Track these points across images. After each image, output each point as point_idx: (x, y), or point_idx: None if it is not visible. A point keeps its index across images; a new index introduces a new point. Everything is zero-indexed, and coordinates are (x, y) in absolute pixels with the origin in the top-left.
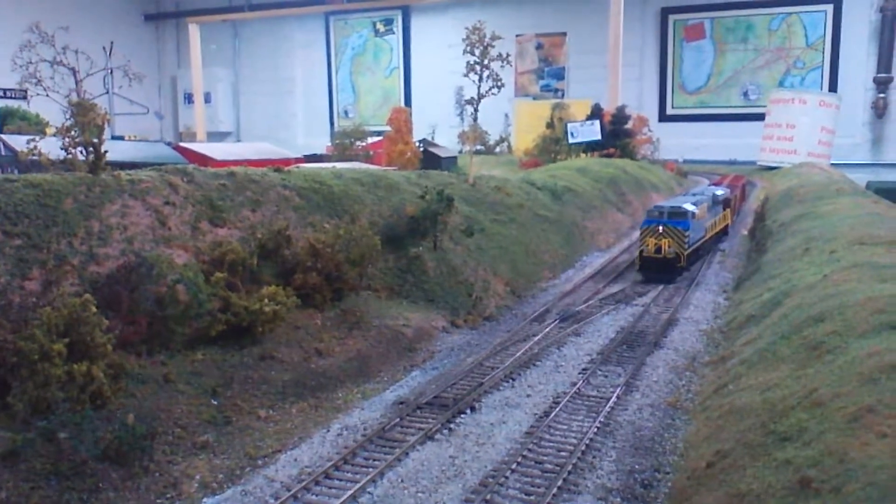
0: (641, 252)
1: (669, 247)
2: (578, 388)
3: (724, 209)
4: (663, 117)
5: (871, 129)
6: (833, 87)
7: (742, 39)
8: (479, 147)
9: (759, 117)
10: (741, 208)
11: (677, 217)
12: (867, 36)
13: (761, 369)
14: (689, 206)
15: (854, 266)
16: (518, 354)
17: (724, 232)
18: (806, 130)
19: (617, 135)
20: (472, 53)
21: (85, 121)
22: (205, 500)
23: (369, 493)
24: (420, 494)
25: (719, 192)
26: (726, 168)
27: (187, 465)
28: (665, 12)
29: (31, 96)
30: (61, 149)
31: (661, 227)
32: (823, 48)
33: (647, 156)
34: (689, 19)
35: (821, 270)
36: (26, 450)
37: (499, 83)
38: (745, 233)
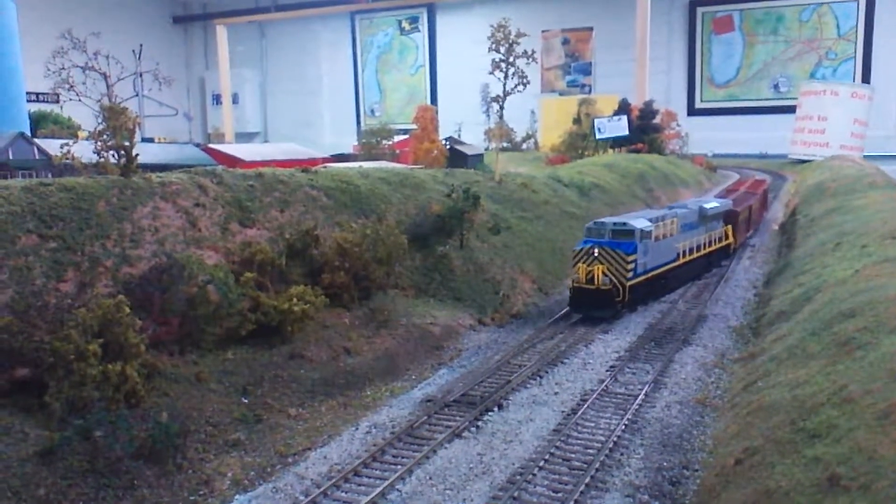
0: (573, 281)
1: (604, 275)
2: (606, 386)
3: (726, 224)
4: (692, 111)
5: None
6: (866, 79)
7: (772, 31)
8: (505, 144)
9: (790, 110)
10: (760, 219)
11: (621, 237)
12: None
13: (791, 366)
14: (639, 223)
15: (886, 261)
16: (545, 352)
17: (722, 253)
18: (838, 123)
19: (645, 130)
20: (498, 50)
21: (116, 124)
22: (237, 497)
23: (398, 490)
24: (448, 492)
25: (711, 204)
26: (757, 162)
27: (219, 462)
28: (693, 5)
29: (64, 101)
30: (94, 152)
31: (595, 250)
32: (856, 39)
33: (676, 151)
34: (718, 11)
35: (852, 265)
36: (63, 448)
37: (524, 80)
38: (776, 227)
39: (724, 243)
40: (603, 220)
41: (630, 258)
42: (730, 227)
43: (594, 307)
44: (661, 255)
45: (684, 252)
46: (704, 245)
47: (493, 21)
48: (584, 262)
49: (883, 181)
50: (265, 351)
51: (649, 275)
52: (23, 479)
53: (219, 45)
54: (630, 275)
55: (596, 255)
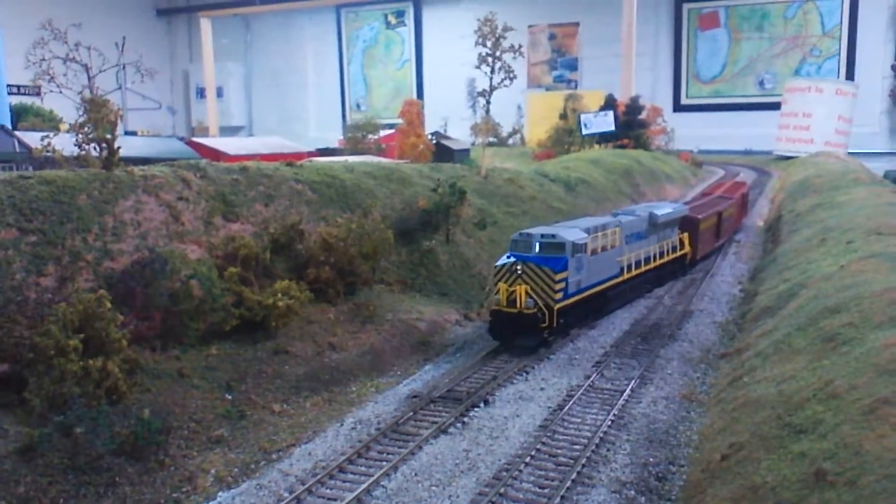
0: (493, 304)
1: (528, 296)
2: (592, 382)
3: (682, 232)
4: (677, 107)
5: (888, 118)
6: (850, 76)
7: (757, 28)
8: (491, 139)
9: (775, 106)
10: (737, 226)
11: (549, 251)
12: (885, 23)
13: (776, 361)
14: (571, 235)
15: (871, 256)
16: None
17: (677, 265)
18: (822, 119)
19: (631, 125)
20: (484, 45)
21: (98, 117)
22: (220, 493)
23: (383, 486)
24: (434, 488)
25: (663, 210)
26: (742, 158)
27: (202, 459)
28: (679, 1)
29: (45, 93)
30: (75, 145)
31: (518, 267)
32: (840, 36)
33: (662, 146)
34: (704, 8)
35: (837, 261)
36: (43, 444)
37: (511, 74)
38: (761, 224)
39: (678, 253)
40: (530, 230)
41: (559, 276)
42: (686, 234)
43: (516, 334)
44: (599, 271)
45: (629, 266)
46: (655, 257)
47: (479, 15)
48: (505, 281)
49: (867, 177)
50: (249, 346)
51: (584, 294)
52: (2, 477)
53: (203, 37)
54: (559, 296)
55: (519, 272)
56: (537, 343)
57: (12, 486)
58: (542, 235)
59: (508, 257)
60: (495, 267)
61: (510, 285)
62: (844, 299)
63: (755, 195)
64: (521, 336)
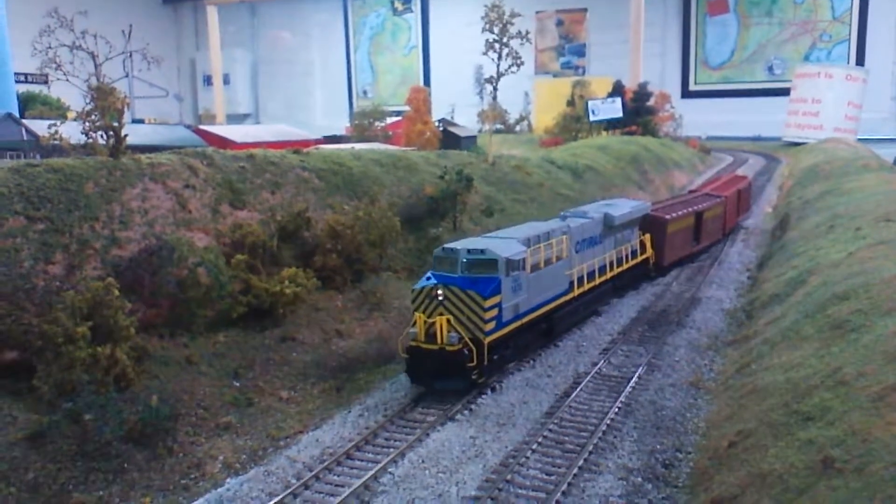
0: (410, 338)
1: (451, 330)
2: (599, 369)
3: (645, 233)
4: (686, 94)
5: None
6: (860, 61)
7: (767, 13)
8: (498, 126)
9: (785, 92)
10: (731, 227)
11: (478, 270)
12: None
13: (784, 348)
14: (505, 249)
15: (880, 243)
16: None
17: (639, 271)
18: (832, 105)
19: (639, 112)
20: (492, 31)
21: (105, 105)
22: (228, 480)
23: (391, 473)
24: (441, 475)
25: (621, 210)
26: (751, 145)
27: (211, 445)
28: None
29: (52, 81)
30: (82, 133)
31: (439, 292)
32: (850, 21)
33: (670, 133)
34: None
35: (846, 248)
36: (52, 431)
37: (518, 61)
38: (770, 210)
39: (639, 259)
40: (455, 245)
41: (490, 302)
42: (648, 236)
43: (438, 376)
44: (542, 290)
45: (580, 280)
46: (612, 265)
47: (486, 1)
48: (423, 310)
49: (876, 164)
50: (256, 334)
51: (524, 320)
52: (11, 463)
53: (209, 25)
54: (491, 326)
55: (440, 298)
56: (464, 386)
57: (22, 472)
58: (470, 251)
59: (428, 278)
60: (412, 291)
61: (429, 315)
62: (853, 286)
63: (763, 182)
64: (442, 378)
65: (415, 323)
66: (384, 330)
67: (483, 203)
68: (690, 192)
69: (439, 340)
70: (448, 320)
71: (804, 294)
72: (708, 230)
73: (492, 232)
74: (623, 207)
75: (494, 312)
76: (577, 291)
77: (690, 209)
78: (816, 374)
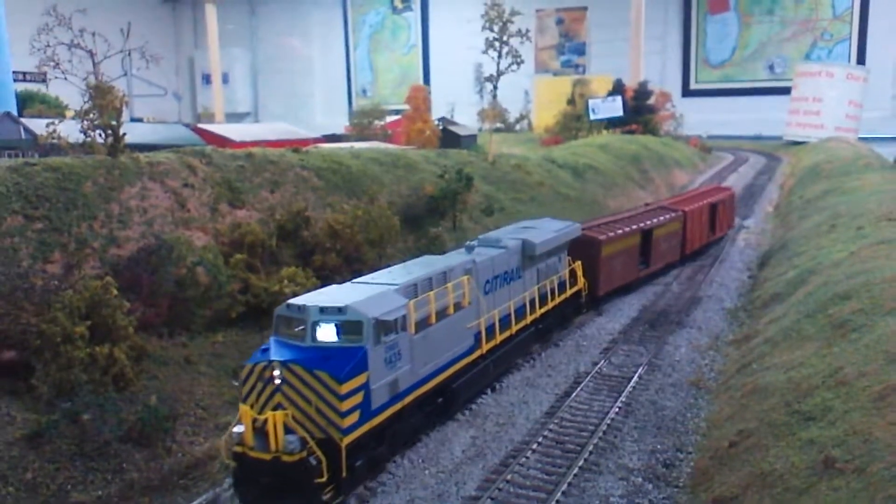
0: (236, 441)
1: (288, 430)
2: (600, 368)
3: (575, 260)
4: (686, 92)
5: None
6: (861, 60)
7: (768, 11)
8: (498, 125)
9: (785, 91)
10: (705, 242)
11: (334, 338)
12: None
13: (785, 348)
14: (376, 307)
15: (881, 242)
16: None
17: (570, 306)
18: (833, 104)
19: (639, 111)
20: (491, 29)
21: (103, 103)
22: (227, 480)
23: (390, 472)
24: (441, 475)
25: (544, 236)
26: (751, 143)
27: (209, 445)
28: None
29: (50, 79)
30: (80, 132)
31: (276, 371)
32: (851, 19)
33: (671, 132)
34: None
35: (847, 247)
36: (51, 431)
37: (518, 59)
38: (771, 209)
39: (569, 292)
40: (304, 300)
41: (349, 386)
42: (579, 263)
43: (274, 496)
44: (435, 353)
45: (490, 330)
46: (535, 303)
47: None
48: (254, 399)
49: (878, 163)
50: (256, 333)
51: (407, 400)
52: (10, 463)
53: (208, 23)
54: (352, 420)
55: (276, 382)
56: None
57: (20, 472)
58: (323, 309)
59: (265, 350)
60: (241, 368)
61: (261, 408)
62: (854, 286)
63: (764, 181)
64: (276, 498)
65: (240, 419)
66: None
67: (483, 202)
68: (646, 205)
69: (272, 445)
70: (286, 417)
71: (805, 293)
72: (661, 251)
73: (365, 275)
74: (546, 231)
75: (358, 399)
76: (486, 347)
77: (634, 227)
78: (817, 373)
